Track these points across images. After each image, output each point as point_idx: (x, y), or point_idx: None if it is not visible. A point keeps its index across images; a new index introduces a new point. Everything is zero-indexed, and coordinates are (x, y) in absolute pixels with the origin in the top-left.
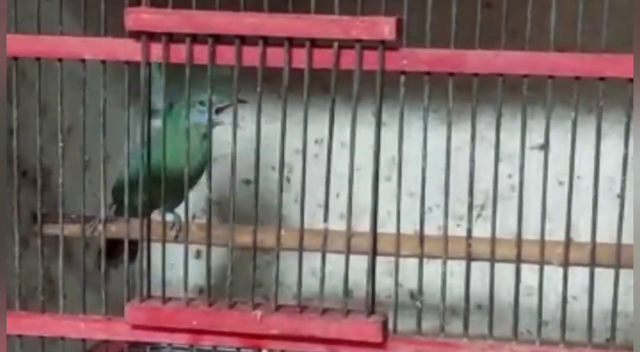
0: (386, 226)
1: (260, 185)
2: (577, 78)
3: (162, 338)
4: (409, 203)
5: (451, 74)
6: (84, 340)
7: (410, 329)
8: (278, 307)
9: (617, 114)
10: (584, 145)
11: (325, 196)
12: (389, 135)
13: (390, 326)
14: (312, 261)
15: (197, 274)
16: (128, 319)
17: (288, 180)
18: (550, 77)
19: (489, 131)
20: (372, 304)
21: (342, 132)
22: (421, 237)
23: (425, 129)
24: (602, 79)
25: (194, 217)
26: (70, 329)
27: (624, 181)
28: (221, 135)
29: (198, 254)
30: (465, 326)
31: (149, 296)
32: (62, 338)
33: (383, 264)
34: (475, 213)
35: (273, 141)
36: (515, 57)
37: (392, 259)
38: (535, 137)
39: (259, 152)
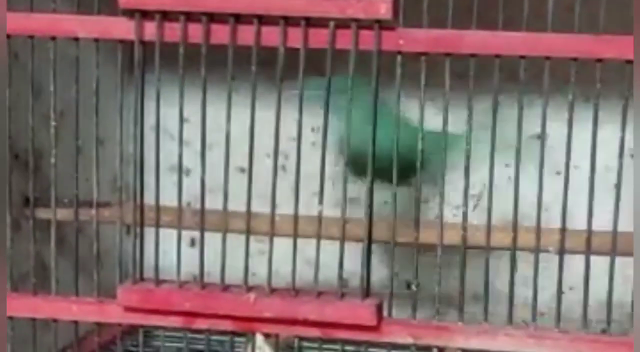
0: (382, 215)
1: (255, 173)
2: (575, 59)
3: (155, 321)
4: (405, 191)
5: (448, 54)
6: (76, 323)
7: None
8: (272, 291)
9: (614, 103)
10: (581, 135)
11: (320, 177)
12: None
13: (385, 313)
14: (306, 250)
15: (190, 263)
16: (120, 301)
17: (283, 168)
18: (548, 58)
19: (487, 120)
20: (367, 288)
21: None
22: (417, 220)
23: (422, 109)
24: (599, 60)
25: (188, 204)
26: (62, 311)
27: (620, 165)
28: (215, 121)
29: (192, 243)
30: (461, 309)
31: (142, 279)
32: (55, 320)
33: (378, 253)
34: (471, 203)
35: (268, 128)
36: (513, 38)
37: (387, 249)
38: (533, 126)
39: (252, 138)
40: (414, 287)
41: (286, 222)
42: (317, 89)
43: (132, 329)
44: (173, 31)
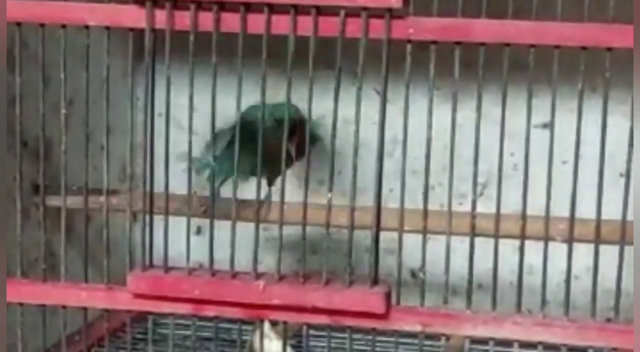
0: (389, 203)
1: None
2: (584, 48)
3: (164, 308)
4: (411, 181)
5: (458, 43)
6: (85, 309)
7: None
8: (281, 278)
9: (621, 93)
10: (588, 124)
11: (330, 165)
12: (392, 113)
13: (393, 301)
14: (313, 238)
15: (198, 250)
16: (130, 288)
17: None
18: (557, 47)
19: (493, 109)
20: (375, 275)
21: (345, 109)
22: (425, 209)
23: (430, 100)
24: (609, 49)
25: (194, 192)
26: (71, 298)
27: (630, 153)
28: (224, 109)
29: (198, 231)
30: (469, 297)
31: (151, 265)
32: (64, 307)
33: (385, 242)
34: (477, 192)
35: None
36: (522, 27)
37: (394, 237)
38: (538, 116)
39: (263, 126)
40: (421, 275)
41: (294, 209)
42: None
43: (139, 316)
44: (183, 19)
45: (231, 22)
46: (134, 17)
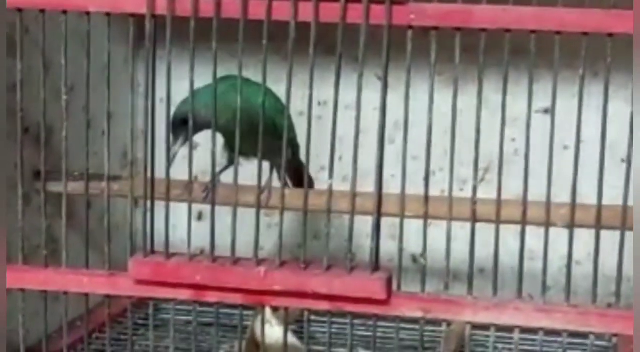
0: (390, 189)
1: None
2: (585, 34)
3: (165, 294)
4: (412, 166)
5: (459, 29)
6: (86, 295)
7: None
8: (282, 264)
9: (622, 78)
10: (589, 110)
11: (330, 151)
12: (393, 99)
13: (394, 287)
14: (314, 223)
15: (199, 236)
16: (131, 274)
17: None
18: (558, 33)
19: (494, 95)
20: (376, 261)
21: (345, 95)
22: (426, 194)
23: (432, 86)
24: (610, 35)
25: (196, 178)
26: (73, 284)
27: (631, 139)
28: None
29: (199, 216)
30: (470, 284)
31: (153, 252)
32: (65, 293)
33: (385, 227)
34: (478, 177)
35: None
36: (523, 12)
37: (395, 222)
38: (539, 101)
39: (264, 112)
40: (422, 261)
41: (296, 194)
42: None
43: (141, 302)
44: (184, 5)
45: (232, 7)
46: (135, 3)
